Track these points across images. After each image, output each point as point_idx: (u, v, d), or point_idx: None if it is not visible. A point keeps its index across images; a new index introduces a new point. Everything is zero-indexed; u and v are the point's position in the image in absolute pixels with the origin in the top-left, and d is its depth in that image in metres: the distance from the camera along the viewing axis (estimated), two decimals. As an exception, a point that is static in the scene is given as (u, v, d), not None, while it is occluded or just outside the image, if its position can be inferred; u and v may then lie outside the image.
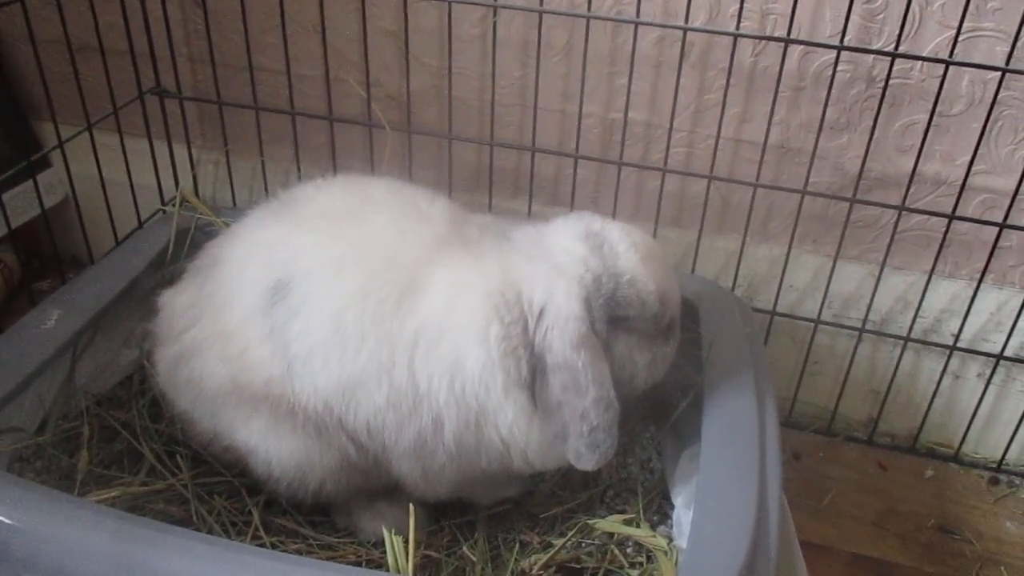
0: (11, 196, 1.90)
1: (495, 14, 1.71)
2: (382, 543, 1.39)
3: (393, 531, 1.17)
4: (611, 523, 1.41)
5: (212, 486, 1.45)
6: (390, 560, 1.16)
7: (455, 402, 1.22)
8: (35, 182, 1.73)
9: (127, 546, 1.04)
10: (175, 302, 1.39)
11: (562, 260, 1.24)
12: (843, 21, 1.52)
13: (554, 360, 1.19)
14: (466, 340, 1.21)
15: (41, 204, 1.77)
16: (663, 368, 1.34)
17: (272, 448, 1.28)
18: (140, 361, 1.62)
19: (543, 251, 1.27)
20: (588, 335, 1.20)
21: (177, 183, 1.95)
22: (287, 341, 1.23)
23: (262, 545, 1.36)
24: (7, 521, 1.06)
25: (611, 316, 1.24)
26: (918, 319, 1.77)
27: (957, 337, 1.76)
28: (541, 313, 1.22)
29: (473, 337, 1.20)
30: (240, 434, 1.30)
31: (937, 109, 1.56)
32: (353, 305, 1.22)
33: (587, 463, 1.22)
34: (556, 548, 1.37)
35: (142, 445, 1.49)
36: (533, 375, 1.22)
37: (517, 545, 1.41)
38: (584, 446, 1.21)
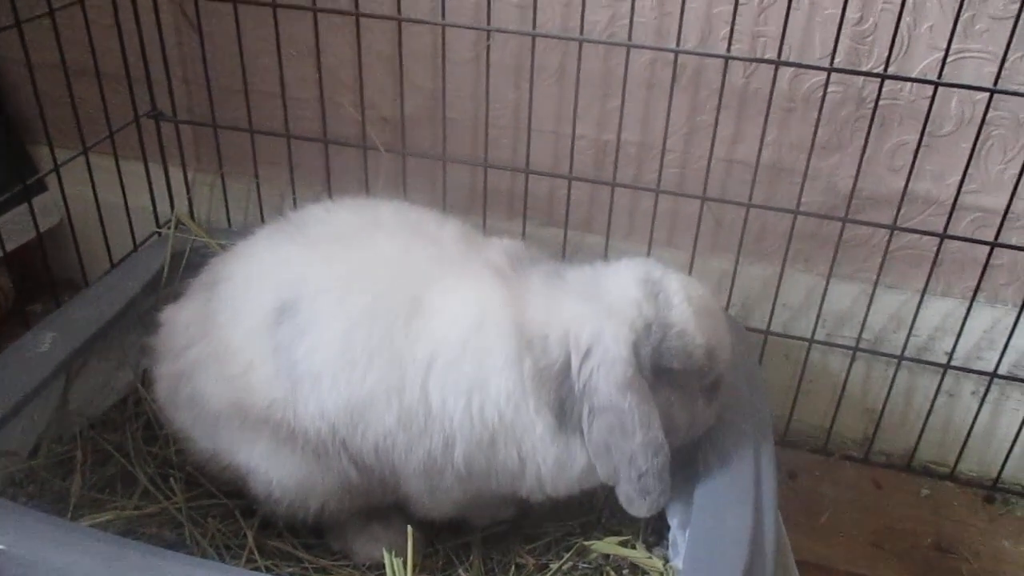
0: (6, 219, 1.91)
1: (489, 37, 1.72)
2: (377, 566, 1.39)
3: (393, 552, 1.17)
4: (607, 544, 1.40)
5: (206, 509, 1.45)
6: (387, 583, 1.16)
7: (471, 422, 1.21)
8: (30, 205, 1.73)
9: (121, 570, 1.03)
10: (177, 318, 1.38)
11: (615, 303, 1.23)
12: (833, 43, 1.54)
13: (600, 402, 1.19)
14: (494, 365, 1.20)
15: (36, 227, 1.77)
16: (701, 429, 1.31)
17: (273, 469, 1.28)
18: (134, 384, 1.62)
19: (597, 291, 1.26)
20: (635, 377, 1.19)
21: (172, 206, 1.95)
22: (294, 360, 1.23)
23: (256, 568, 1.35)
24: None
25: (656, 367, 1.22)
26: (912, 337, 1.77)
27: (951, 355, 1.77)
28: (587, 353, 1.21)
29: (502, 364, 1.20)
30: (241, 455, 1.30)
31: (927, 129, 1.57)
32: (361, 326, 1.22)
33: (638, 509, 1.22)
34: (552, 571, 1.36)
35: (136, 468, 1.48)
36: (562, 404, 1.22)
37: (513, 567, 1.40)
38: (634, 492, 1.20)
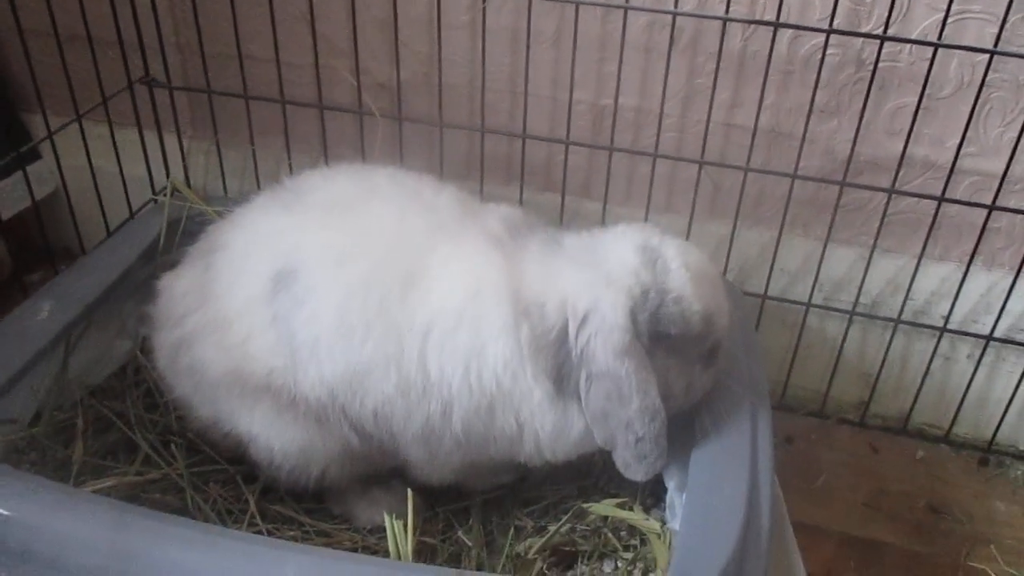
0: (1, 188, 1.90)
1: (485, 1, 1.70)
2: (377, 530, 1.41)
3: (394, 516, 1.18)
4: (605, 507, 1.42)
5: (208, 474, 1.46)
6: (391, 545, 1.17)
7: (469, 389, 1.22)
8: (25, 173, 1.73)
9: (123, 536, 1.04)
10: (175, 286, 1.38)
11: (612, 269, 1.23)
12: (832, 5, 1.52)
13: (597, 368, 1.19)
14: (491, 332, 1.21)
15: (32, 195, 1.77)
16: (698, 394, 1.32)
17: (274, 436, 1.29)
18: (134, 352, 1.62)
19: (594, 258, 1.26)
20: (633, 344, 1.19)
21: (168, 173, 1.95)
22: (292, 330, 1.23)
23: (258, 532, 1.36)
24: (3, 512, 1.06)
25: (653, 333, 1.22)
26: (908, 302, 1.78)
27: (947, 319, 1.77)
28: (584, 319, 1.21)
29: (499, 331, 1.21)
30: (242, 422, 1.31)
31: (926, 92, 1.56)
32: (356, 295, 1.22)
33: (635, 474, 1.23)
34: (551, 533, 1.38)
35: (137, 435, 1.49)
36: (559, 370, 1.23)
37: (512, 530, 1.42)
38: (631, 456, 1.21)
